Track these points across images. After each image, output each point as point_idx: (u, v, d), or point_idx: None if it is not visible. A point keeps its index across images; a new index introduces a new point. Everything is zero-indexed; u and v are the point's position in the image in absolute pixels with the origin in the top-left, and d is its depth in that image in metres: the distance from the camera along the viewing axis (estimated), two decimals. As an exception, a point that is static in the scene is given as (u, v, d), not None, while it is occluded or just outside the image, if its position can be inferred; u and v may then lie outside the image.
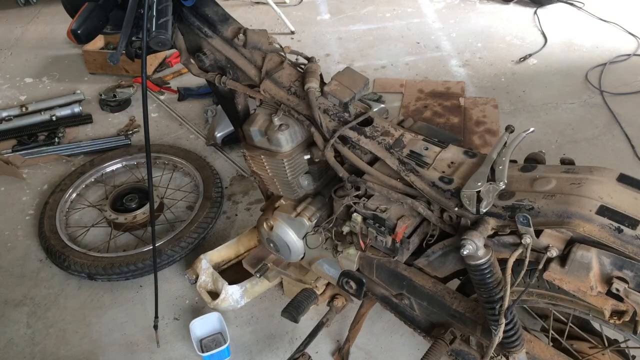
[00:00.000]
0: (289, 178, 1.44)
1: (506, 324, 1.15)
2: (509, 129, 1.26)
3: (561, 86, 3.12)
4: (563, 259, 1.04)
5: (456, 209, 1.17)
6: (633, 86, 3.06)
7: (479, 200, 1.11)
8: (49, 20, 4.09)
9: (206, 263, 1.97)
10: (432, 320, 1.46)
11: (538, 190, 1.12)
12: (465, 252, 1.08)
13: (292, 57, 1.46)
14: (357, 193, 1.31)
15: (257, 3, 4.19)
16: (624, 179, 1.09)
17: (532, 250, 1.06)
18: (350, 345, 1.79)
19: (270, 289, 2.01)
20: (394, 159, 1.28)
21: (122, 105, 3.09)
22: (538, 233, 1.06)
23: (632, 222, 1.00)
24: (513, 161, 1.24)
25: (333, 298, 1.70)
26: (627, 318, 1.03)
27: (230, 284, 1.89)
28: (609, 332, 1.34)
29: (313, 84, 1.34)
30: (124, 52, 1.33)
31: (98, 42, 3.43)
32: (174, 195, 2.48)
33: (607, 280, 1.00)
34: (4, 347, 1.92)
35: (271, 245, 1.61)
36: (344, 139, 1.34)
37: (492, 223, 1.12)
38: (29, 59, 3.62)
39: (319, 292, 1.66)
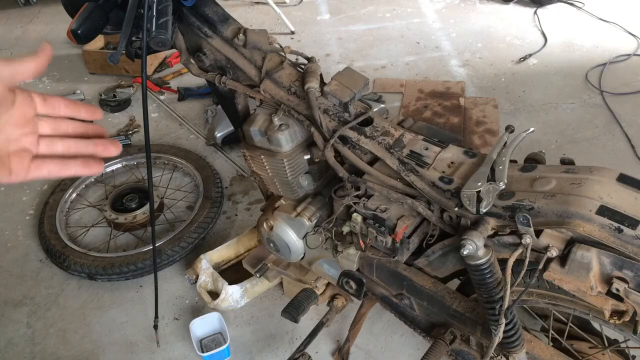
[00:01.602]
0: (289, 178, 1.44)
1: (506, 324, 1.15)
2: (509, 129, 1.26)
3: (561, 86, 3.12)
4: (563, 259, 1.04)
5: (456, 209, 1.17)
6: (633, 86, 3.06)
7: (479, 200, 1.11)
8: (49, 20, 4.09)
9: (206, 263, 1.97)
10: (432, 320, 1.46)
11: (538, 190, 1.12)
12: (465, 252, 1.08)
13: (292, 57, 1.46)
14: (357, 193, 1.31)
15: (257, 3, 4.19)
16: (624, 179, 1.09)
17: (532, 250, 1.06)
18: (350, 345, 1.79)
19: (270, 289, 2.01)
20: (394, 159, 1.28)
21: (122, 105, 3.09)
22: (538, 233, 1.06)
23: (632, 222, 1.00)
24: (513, 161, 1.24)
25: (333, 298, 1.70)
26: (627, 318, 1.03)
27: (230, 284, 1.89)
28: (609, 332, 1.34)
29: (313, 84, 1.34)
30: (124, 52, 1.33)
31: (98, 42, 3.43)
32: (174, 195, 2.48)
33: (607, 280, 1.00)
34: (4, 347, 1.92)
35: (271, 245, 1.61)
36: (344, 139, 1.34)
37: (492, 223, 1.12)
38: (29, 59, 3.62)
39: (319, 292, 1.66)
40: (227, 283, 1.88)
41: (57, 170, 0.67)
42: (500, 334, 1.15)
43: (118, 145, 0.72)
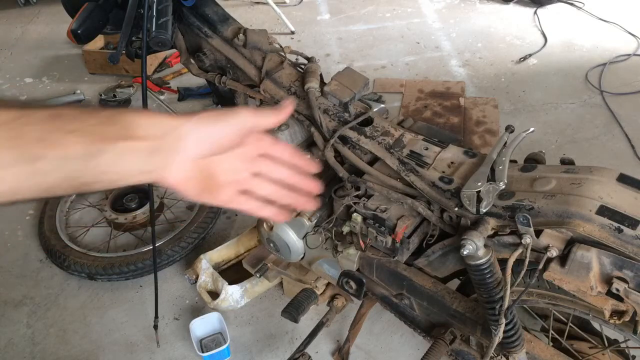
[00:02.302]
0: (289, 178, 1.43)
1: (506, 324, 1.15)
2: (509, 129, 1.26)
3: (561, 86, 3.12)
4: (563, 259, 1.04)
5: (456, 209, 1.17)
6: (633, 86, 3.06)
7: (479, 200, 1.11)
8: (49, 20, 4.09)
9: (206, 263, 1.97)
10: (432, 320, 1.46)
11: (538, 190, 1.12)
12: (465, 252, 1.08)
13: (292, 57, 1.46)
14: (357, 193, 1.31)
15: (257, 3, 4.19)
16: (624, 179, 1.09)
17: (532, 250, 1.06)
18: (350, 345, 1.79)
19: (270, 289, 2.01)
20: (394, 159, 1.28)
21: (122, 105, 3.09)
22: (538, 233, 1.06)
23: (632, 222, 1.00)
24: (513, 161, 1.24)
25: (333, 298, 1.70)
26: (627, 318, 1.03)
27: (230, 284, 1.89)
28: (609, 332, 1.34)
29: (313, 84, 1.34)
30: (124, 52, 1.33)
31: (98, 42, 3.43)
32: (174, 195, 2.48)
33: (607, 280, 1.00)
34: (4, 347, 1.92)
35: (271, 245, 1.61)
36: (344, 139, 1.34)
37: (492, 223, 1.12)
38: (29, 59, 3.62)
39: (319, 292, 1.66)
40: (227, 283, 1.88)
41: (255, 210, 0.72)
42: (500, 334, 1.15)
43: (318, 203, 0.77)
